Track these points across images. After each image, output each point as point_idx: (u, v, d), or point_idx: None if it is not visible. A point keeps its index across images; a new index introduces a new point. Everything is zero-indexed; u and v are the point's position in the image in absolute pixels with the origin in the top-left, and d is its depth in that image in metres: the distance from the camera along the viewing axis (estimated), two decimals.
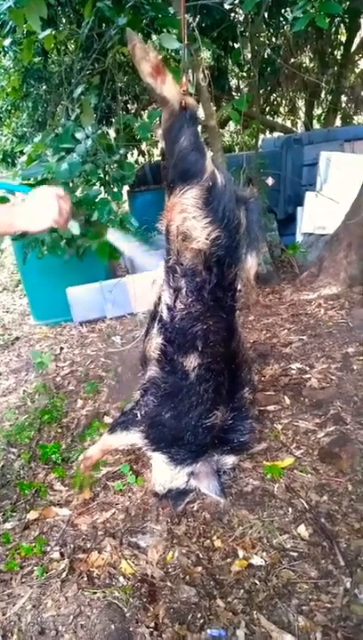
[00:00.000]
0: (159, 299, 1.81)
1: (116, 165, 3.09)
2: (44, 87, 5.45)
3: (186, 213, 1.65)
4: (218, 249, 1.68)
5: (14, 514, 2.25)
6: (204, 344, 1.74)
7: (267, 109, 9.42)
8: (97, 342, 4.18)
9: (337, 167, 5.12)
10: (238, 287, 1.83)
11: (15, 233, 1.57)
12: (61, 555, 1.97)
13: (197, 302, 1.72)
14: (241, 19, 4.15)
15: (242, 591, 1.72)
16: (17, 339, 4.65)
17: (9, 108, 6.38)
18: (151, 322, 1.86)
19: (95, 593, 1.77)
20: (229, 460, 1.98)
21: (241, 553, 1.86)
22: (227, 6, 3.95)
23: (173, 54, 3.53)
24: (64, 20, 4.40)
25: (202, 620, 1.63)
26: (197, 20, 4.11)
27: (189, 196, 1.63)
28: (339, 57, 8.15)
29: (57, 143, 2.97)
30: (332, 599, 1.64)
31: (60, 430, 2.86)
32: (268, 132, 9.73)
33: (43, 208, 1.48)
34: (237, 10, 4.05)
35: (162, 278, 1.78)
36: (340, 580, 1.68)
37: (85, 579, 1.84)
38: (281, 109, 10.10)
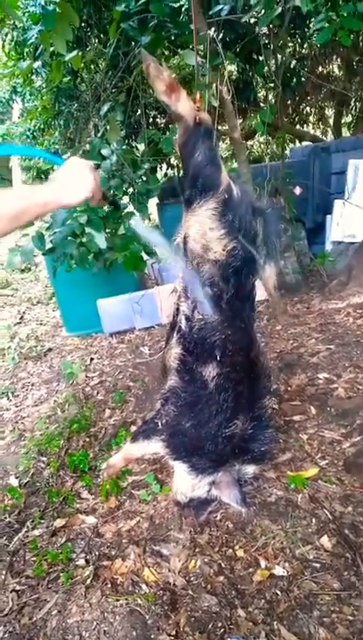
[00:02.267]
0: (178, 309, 1.84)
1: (141, 180, 3.16)
2: (75, 105, 5.62)
3: (203, 226, 1.68)
4: (235, 260, 1.71)
5: (42, 521, 2.31)
6: (222, 354, 1.76)
7: (296, 119, 9.42)
8: (126, 353, 4.25)
9: None
10: (256, 297, 1.85)
11: (53, 210, 1.50)
12: (86, 562, 2.01)
13: (215, 312, 1.75)
14: (265, 31, 4.18)
15: (263, 601, 1.71)
16: (49, 350, 4.76)
17: (42, 126, 6.61)
18: (171, 332, 1.90)
19: (118, 600, 1.80)
20: (251, 470, 1.98)
21: (263, 563, 1.86)
22: (250, 19, 4.00)
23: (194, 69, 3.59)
24: (93, 41, 4.55)
25: (222, 630, 1.64)
26: (221, 35, 4.17)
27: (205, 208, 1.67)
28: None
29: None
30: (354, 611, 1.62)
31: (88, 439, 2.92)
32: (297, 142, 9.71)
33: (79, 179, 1.40)
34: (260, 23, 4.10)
35: (180, 289, 1.82)
36: None
37: (109, 585, 1.88)
38: (310, 119, 10.07)
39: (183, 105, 1.57)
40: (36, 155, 2.44)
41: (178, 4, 3.54)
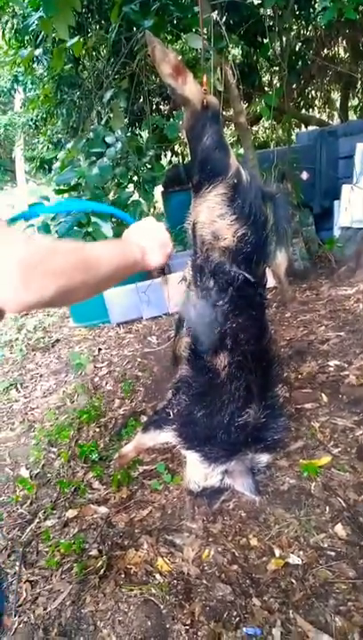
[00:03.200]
0: (187, 298, 1.82)
1: (146, 167, 3.12)
2: (78, 93, 5.55)
3: (212, 211, 1.65)
4: (245, 246, 1.67)
5: (54, 512, 2.31)
6: (233, 342, 1.73)
7: (302, 103, 9.27)
8: (134, 343, 4.23)
9: None
10: (267, 284, 1.82)
11: (134, 273, 1.23)
12: (99, 552, 2.01)
13: (226, 300, 1.71)
14: (270, 13, 4.10)
15: (278, 590, 1.70)
16: (57, 341, 4.76)
17: (44, 115, 6.54)
18: (180, 321, 1.87)
19: (132, 590, 1.80)
20: (264, 459, 1.96)
21: (277, 552, 1.85)
22: (255, 1, 3.93)
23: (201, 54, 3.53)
24: (93, 26, 4.47)
25: (238, 619, 1.63)
26: (224, 17, 4.09)
27: (214, 194, 1.63)
28: None
29: (88, 148, 3.03)
30: None
31: (98, 429, 2.91)
32: (303, 127, 9.58)
33: (160, 243, 1.27)
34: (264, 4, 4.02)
35: (190, 277, 1.79)
36: None
37: (123, 576, 1.87)
38: (316, 102, 9.92)
39: (190, 88, 1.53)
40: (104, 211, 2.35)
41: None
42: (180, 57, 1.57)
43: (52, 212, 1.93)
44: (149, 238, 1.26)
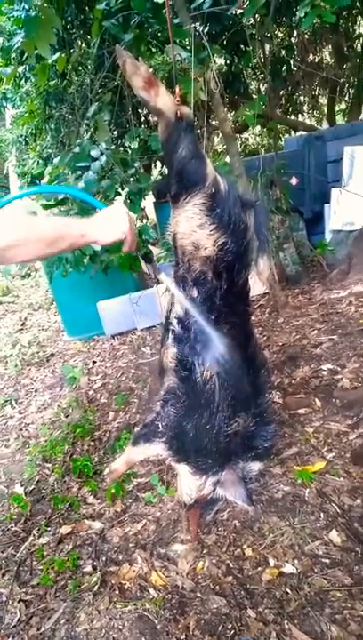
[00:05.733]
0: (171, 309, 1.81)
1: (132, 179, 3.13)
2: (66, 108, 5.58)
3: (191, 222, 1.64)
4: (226, 255, 1.66)
5: (49, 528, 2.29)
6: (219, 351, 1.72)
7: (289, 109, 9.32)
8: (128, 354, 4.22)
9: (362, 161, 5.01)
10: (250, 292, 1.81)
11: (86, 243, 1.60)
12: (94, 568, 1.99)
13: (210, 310, 1.71)
14: (251, 21, 4.13)
15: (273, 600, 1.68)
16: (52, 355, 4.75)
17: (33, 131, 6.58)
18: (165, 332, 1.87)
19: (126, 606, 1.78)
20: (255, 467, 1.95)
21: (272, 561, 1.83)
22: (237, 11, 3.95)
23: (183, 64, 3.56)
24: (77, 42, 4.51)
25: (233, 631, 1.61)
26: (206, 28, 4.13)
27: (192, 204, 1.63)
28: (359, 49, 7.99)
29: (74, 162, 3.03)
30: None
31: (92, 443, 2.90)
32: (293, 132, 9.62)
33: (115, 221, 1.51)
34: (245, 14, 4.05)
35: (173, 288, 1.78)
36: None
37: (117, 591, 1.85)
38: (304, 108, 9.97)
39: (163, 100, 1.54)
40: (76, 195, 2.46)
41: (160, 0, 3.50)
42: (159, 70, 1.58)
43: (23, 197, 2.02)
44: (106, 217, 1.51)
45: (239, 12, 4.37)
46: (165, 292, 1.91)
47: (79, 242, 1.48)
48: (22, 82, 5.45)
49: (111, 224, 1.51)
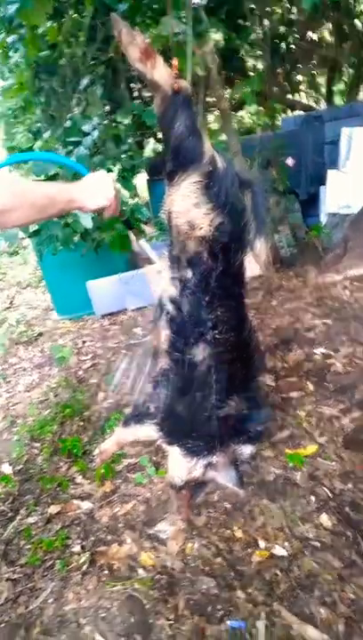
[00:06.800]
0: (165, 290, 1.77)
1: (125, 155, 3.05)
2: (56, 81, 5.41)
3: (187, 201, 1.59)
4: (222, 235, 1.62)
5: (37, 508, 2.28)
6: (213, 334, 1.70)
7: (287, 88, 9.14)
8: (118, 335, 4.18)
9: (360, 143, 4.94)
10: (246, 274, 1.78)
11: (73, 209, 1.62)
12: (82, 548, 1.99)
13: (204, 292, 1.67)
14: None
15: (263, 582, 1.69)
16: (40, 334, 4.69)
17: (22, 104, 6.37)
18: (158, 314, 1.83)
19: (115, 585, 1.78)
20: (247, 450, 1.94)
21: (262, 543, 1.83)
22: None
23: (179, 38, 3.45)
24: (69, 11, 4.34)
25: (222, 612, 1.62)
26: (204, 0, 3.99)
27: (188, 182, 1.58)
28: (361, 27, 7.81)
29: (65, 137, 2.95)
30: (356, 590, 1.60)
31: (81, 423, 2.87)
32: (289, 112, 9.46)
33: (100, 187, 1.54)
34: None
35: (166, 269, 1.74)
36: None
37: (106, 571, 1.85)
38: (302, 87, 9.79)
39: (160, 72, 1.47)
40: (62, 162, 2.41)
41: None
42: (156, 42, 1.51)
43: (7, 165, 1.96)
44: (91, 184, 1.54)
45: None
46: (159, 272, 1.86)
47: (68, 207, 1.52)
48: (11, 52, 5.25)
49: (97, 191, 1.54)
